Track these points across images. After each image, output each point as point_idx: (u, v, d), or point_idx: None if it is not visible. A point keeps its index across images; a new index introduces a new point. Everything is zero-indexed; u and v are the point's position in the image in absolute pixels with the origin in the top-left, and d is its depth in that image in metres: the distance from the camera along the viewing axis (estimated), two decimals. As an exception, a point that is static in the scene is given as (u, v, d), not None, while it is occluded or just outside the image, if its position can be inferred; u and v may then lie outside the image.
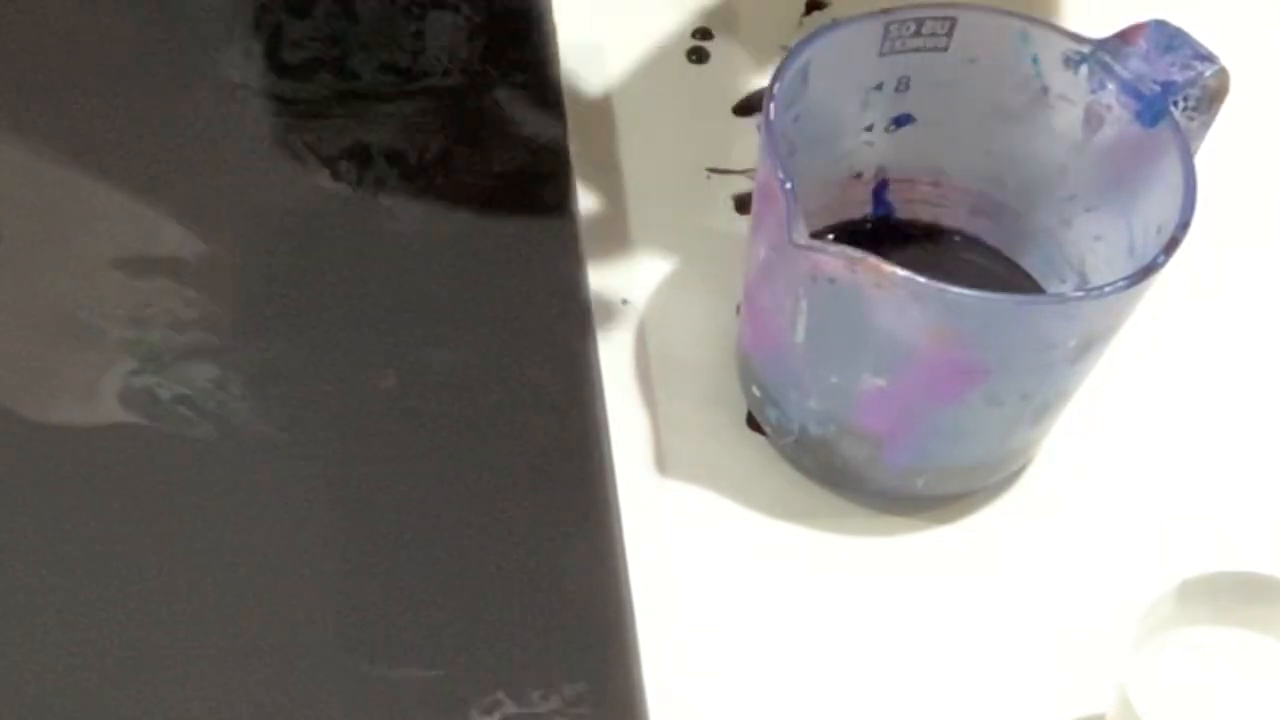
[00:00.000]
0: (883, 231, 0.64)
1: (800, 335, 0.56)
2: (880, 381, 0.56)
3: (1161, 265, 0.54)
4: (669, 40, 0.72)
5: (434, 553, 0.57)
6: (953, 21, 0.59)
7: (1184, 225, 0.55)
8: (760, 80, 0.69)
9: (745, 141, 0.68)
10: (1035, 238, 0.62)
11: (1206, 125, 0.58)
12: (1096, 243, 0.60)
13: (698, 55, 0.71)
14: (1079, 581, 0.59)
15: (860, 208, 0.64)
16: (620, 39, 0.72)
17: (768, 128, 0.55)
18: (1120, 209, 0.59)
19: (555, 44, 0.69)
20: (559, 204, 0.65)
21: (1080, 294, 0.57)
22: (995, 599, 0.58)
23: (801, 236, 0.53)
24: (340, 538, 0.57)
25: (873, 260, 0.52)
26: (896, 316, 0.53)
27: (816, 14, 0.73)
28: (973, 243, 0.63)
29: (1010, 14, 0.59)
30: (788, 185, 0.53)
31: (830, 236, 0.63)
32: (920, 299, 0.53)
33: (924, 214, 0.64)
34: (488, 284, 0.63)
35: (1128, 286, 0.54)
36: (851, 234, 0.63)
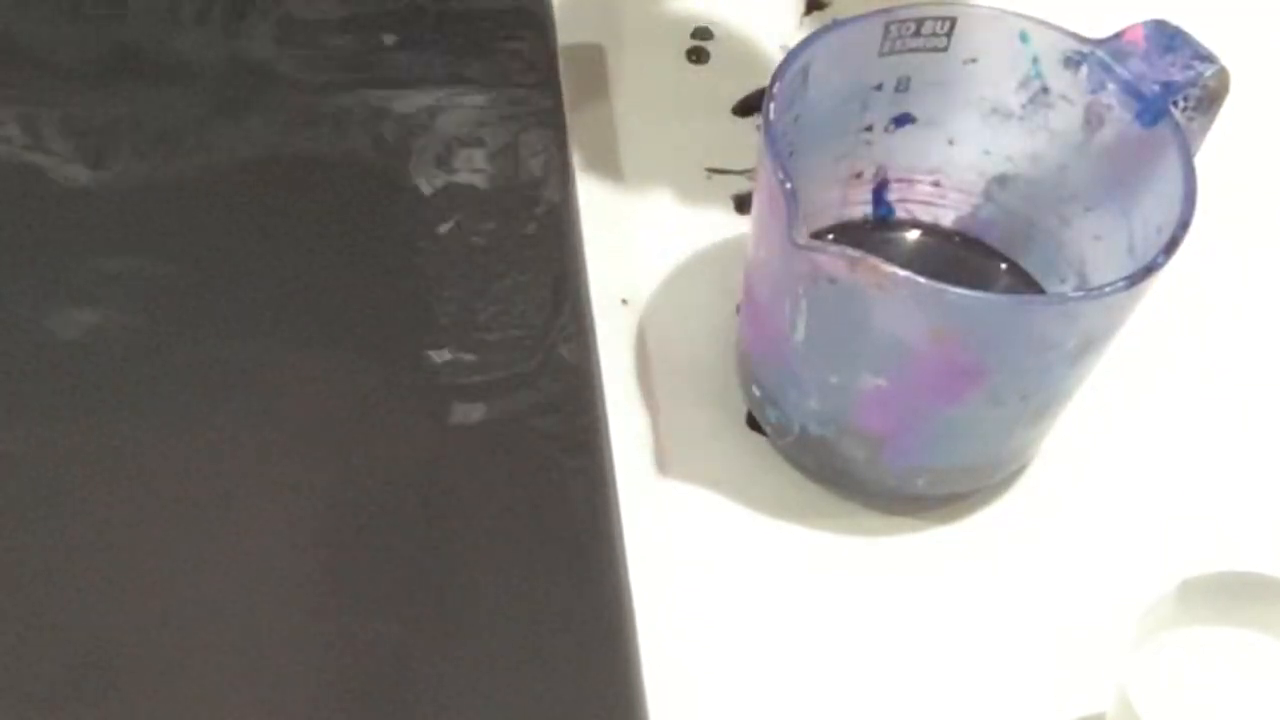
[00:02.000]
0: (883, 231, 0.64)
1: (800, 335, 0.56)
2: (880, 381, 0.56)
3: (1161, 265, 0.54)
4: (669, 40, 0.72)
5: (431, 553, 0.57)
6: (952, 21, 0.59)
7: (1184, 225, 0.55)
8: (760, 80, 0.69)
9: (745, 141, 0.68)
10: (1035, 238, 0.62)
11: (1206, 125, 0.58)
12: (1096, 243, 0.60)
13: (698, 55, 0.71)
14: (1079, 581, 0.59)
15: (860, 208, 0.64)
16: (620, 39, 0.72)
17: (768, 128, 0.55)
18: (1120, 209, 0.59)
19: (555, 44, 0.69)
20: (560, 204, 0.65)
21: (1080, 294, 0.57)
22: (995, 599, 0.58)
23: (801, 236, 0.53)
24: (340, 532, 0.57)
25: (873, 260, 0.52)
26: (896, 316, 0.53)
27: (816, 14, 0.73)
28: (973, 243, 0.64)
29: (1010, 14, 0.59)
30: (788, 185, 0.53)
31: (830, 236, 0.63)
32: (920, 299, 0.53)
33: (924, 214, 0.64)
34: (487, 285, 0.63)
35: (1128, 286, 0.54)
36: (851, 234, 0.63)
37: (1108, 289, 0.54)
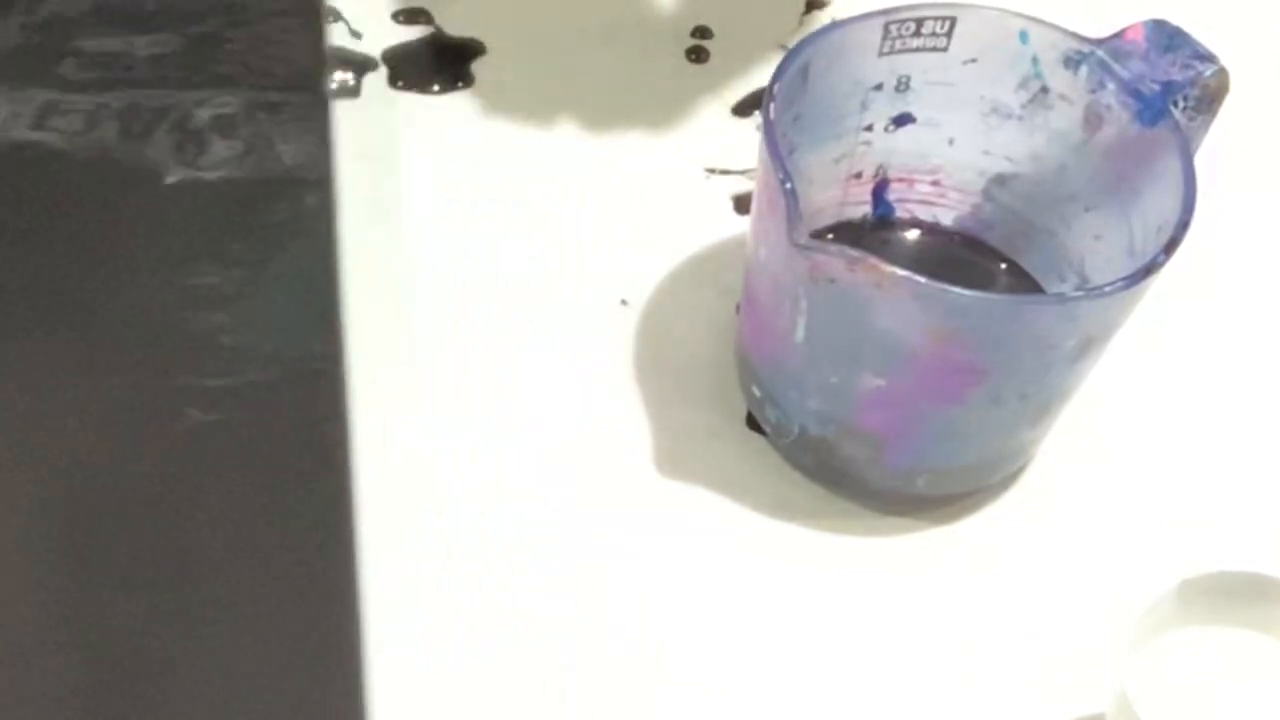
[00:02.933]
0: (882, 231, 0.64)
1: (800, 335, 0.56)
2: (880, 381, 0.56)
3: (1161, 265, 0.54)
4: (669, 40, 0.72)
5: (163, 561, 0.56)
6: (952, 21, 0.59)
7: (1184, 225, 0.55)
8: (760, 80, 0.69)
9: (745, 141, 0.68)
10: (1035, 238, 0.62)
11: (1206, 125, 0.58)
12: (1096, 242, 0.60)
13: (697, 55, 0.71)
14: (1079, 581, 0.59)
15: (860, 207, 0.64)
16: (620, 38, 0.72)
17: (768, 127, 0.55)
18: (1120, 209, 0.59)
19: (324, 39, 0.69)
20: (318, 206, 0.64)
21: (1080, 294, 0.57)
22: (995, 599, 0.58)
23: (801, 236, 0.53)
24: (73, 536, 0.56)
25: (873, 260, 0.52)
26: (896, 316, 0.53)
27: (816, 13, 0.73)
28: (972, 242, 0.64)
29: (1010, 14, 0.59)
30: (788, 185, 0.53)
31: (830, 236, 0.63)
32: (920, 299, 0.53)
33: (924, 214, 0.64)
34: (238, 286, 0.62)
35: (1127, 286, 0.54)
36: (851, 234, 0.63)
37: (1108, 288, 0.54)
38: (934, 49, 0.59)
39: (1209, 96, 0.58)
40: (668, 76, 0.71)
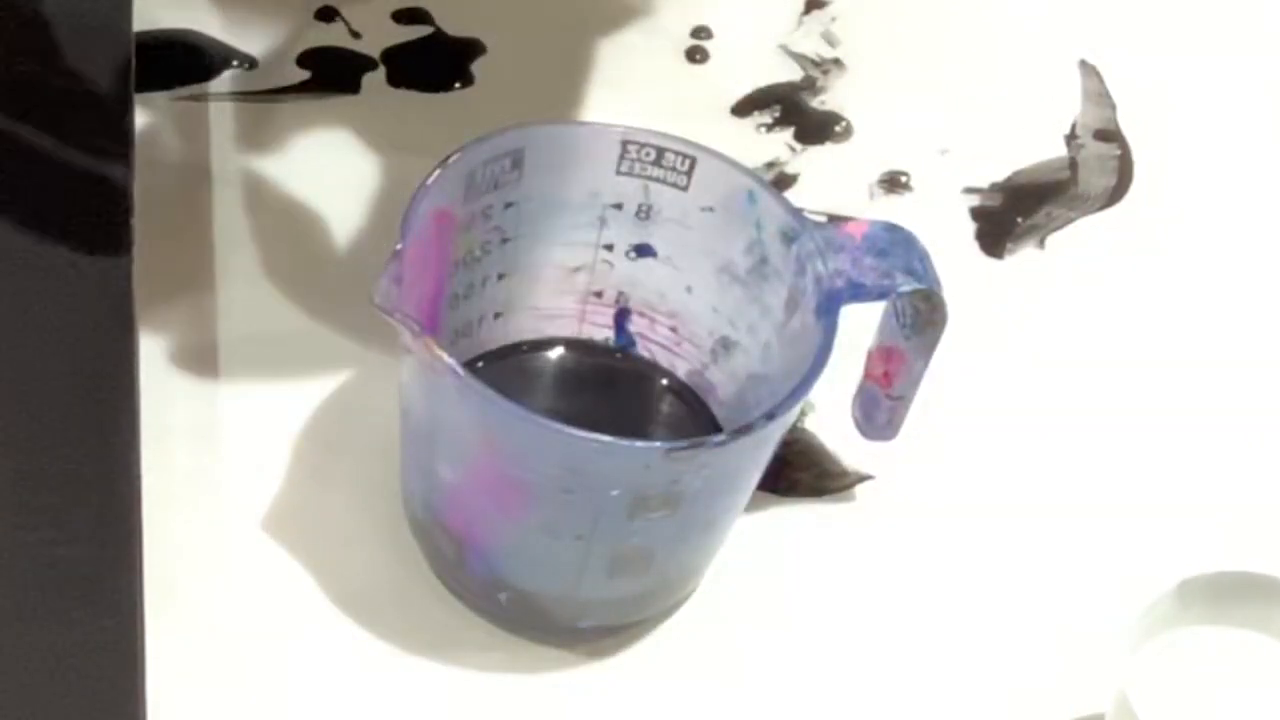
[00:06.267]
0: (615, 360, 0.60)
1: (402, 404, 0.54)
2: (449, 475, 0.53)
3: (692, 450, 0.51)
4: (669, 40, 0.72)
5: None
6: (693, 161, 0.55)
7: (769, 416, 0.51)
8: (760, 80, 0.69)
9: (745, 142, 0.68)
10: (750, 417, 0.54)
11: (925, 351, 0.55)
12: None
13: (697, 55, 0.71)
14: (1079, 581, 0.59)
15: (603, 330, 0.60)
16: (620, 38, 0.72)
17: (421, 190, 0.52)
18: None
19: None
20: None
21: (610, 440, 0.50)
22: (995, 599, 0.58)
23: (380, 296, 0.50)
24: None
25: (430, 339, 0.50)
26: (453, 407, 0.51)
27: (816, 13, 0.73)
28: (698, 403, 0.59)
29: (740, 170, 0.56)
30: (398, 246, 0.51)
31: (561, 349, 0.60)
32: (463, 394, 0.50)
33: (663, 358, 0.60)
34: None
35: (663, 455, 0.51)
36: (591, 353, 0.60)
37: (640, 446, 0.51)
38: (675, 185, 0.56)
39: (922, 320, 0.55)
40: (667, 76, 0.71)
